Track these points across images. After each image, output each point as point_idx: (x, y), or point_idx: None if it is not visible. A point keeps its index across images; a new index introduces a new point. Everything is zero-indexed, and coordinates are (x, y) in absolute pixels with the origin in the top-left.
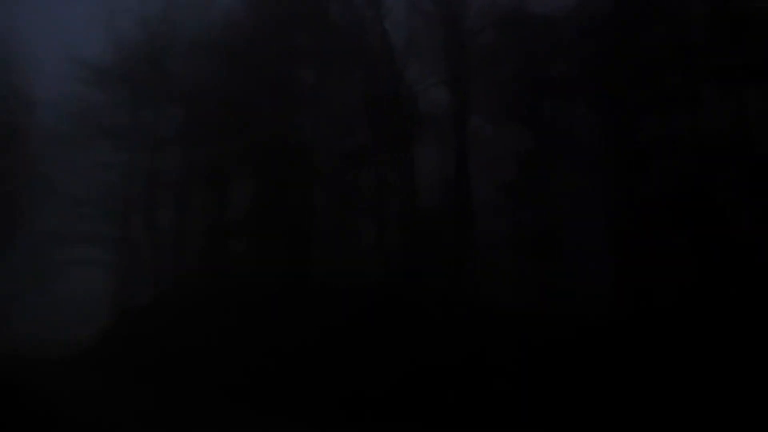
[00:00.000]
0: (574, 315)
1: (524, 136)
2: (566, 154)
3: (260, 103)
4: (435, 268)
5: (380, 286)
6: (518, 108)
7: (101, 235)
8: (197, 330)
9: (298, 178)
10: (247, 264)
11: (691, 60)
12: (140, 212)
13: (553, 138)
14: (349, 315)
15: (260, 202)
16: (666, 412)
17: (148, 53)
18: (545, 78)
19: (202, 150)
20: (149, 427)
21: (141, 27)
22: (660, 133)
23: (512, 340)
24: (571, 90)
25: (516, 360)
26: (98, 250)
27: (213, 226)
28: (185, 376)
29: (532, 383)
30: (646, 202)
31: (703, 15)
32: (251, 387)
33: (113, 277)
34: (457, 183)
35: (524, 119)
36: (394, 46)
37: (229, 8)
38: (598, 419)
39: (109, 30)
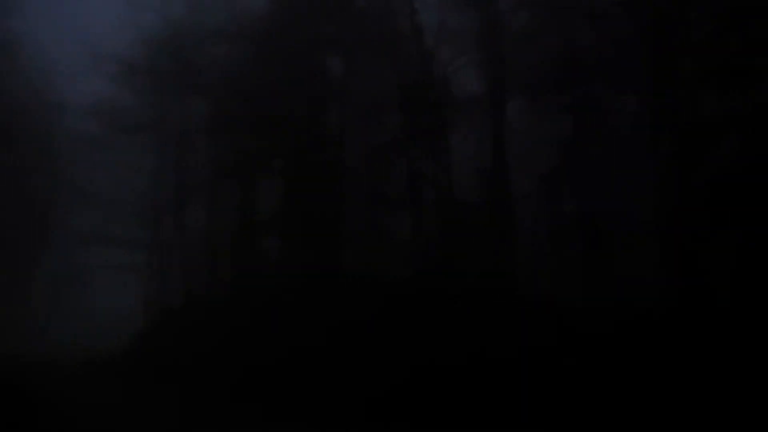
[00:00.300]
0: (620, 310)
1: (565, 119)
2: (611, 138)
3: (288, 96)
4: (473, 262)
5: (416, 280)
6: (558, 90)
7: (133, 238)
8: (237, 330)
9: (328, 172)
10: (279, 261)
11: (751, 26)
12: (170, 212)
13: (597, 120)
14: (384, 311)
15: (290, 197)
16: (722, 409)
17: (174, 48)
18: (586, 55)
19: (230, 146)
20: (193, 427)
21: (165, 21)
22: (718, 109)
23: (555, 334)
24: (615, 67)
25: (559, 355)
26: (130, 253)
27: (243, 224)
28: (221, 377)
29: (573, 379)
30: (702, 188)
31: None
32: (284, 387)
33: (146, 279)
34: (494, 172)
35: (565, 101)
36: (424, 26)
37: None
38: (646, 416)
39: (132, 26)
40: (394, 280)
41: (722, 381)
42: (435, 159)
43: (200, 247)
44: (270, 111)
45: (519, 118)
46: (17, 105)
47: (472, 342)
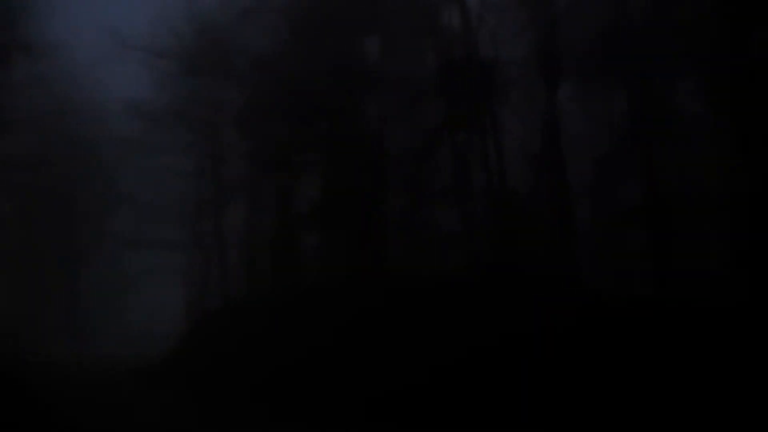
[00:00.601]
0: (689, 302)
1: (621, 99)
2: (672, 118)
3: (326, 84)
4: (526, 254)
5: (465, 275)
6: (614, 67)
7: (174, 240)
8: (280, 330)
9: (370, 163)
10: (321, 258)
11: None
12: (210, 210)
13: (656, 99)
14: (432, 307)
15: (331, 191)
16: None
17: (209, 42)
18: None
19: (268, 139)
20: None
21: (197, 12)
22: None
23: (620, 330)
24: (674, 41)
25: (626, 352)
26: (173, 255)
27: (284, 220)
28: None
29: (640, 376)
30: None
31: None
32: (328, 386)
33: (190, 281)
34: (547, 156)
35: (620, 80)
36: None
37: None
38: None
39: (163, 19)
40: (441, 274)
41: None
42: (481, 145)
43: (240, 245)
44: (307, 101)
45: (570, 99)
46: (51, 108)
47: (527, 337)
